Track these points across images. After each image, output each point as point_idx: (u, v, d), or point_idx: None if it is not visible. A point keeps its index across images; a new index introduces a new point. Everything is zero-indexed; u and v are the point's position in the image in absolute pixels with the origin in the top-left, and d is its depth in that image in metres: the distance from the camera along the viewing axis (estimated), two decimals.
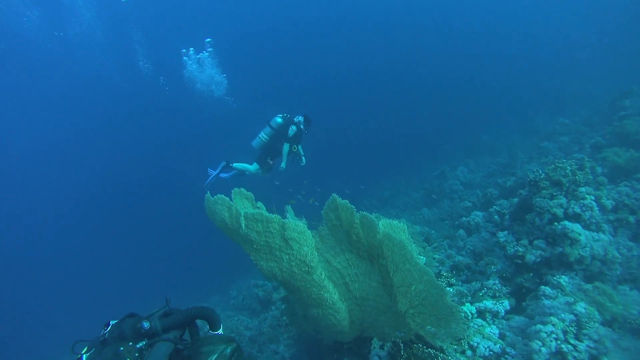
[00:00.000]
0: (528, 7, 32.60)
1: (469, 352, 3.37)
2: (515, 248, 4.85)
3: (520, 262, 4.69)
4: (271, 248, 3.16)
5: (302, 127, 6.64)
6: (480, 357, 3.29)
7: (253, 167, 6.80)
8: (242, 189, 3.76)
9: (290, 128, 6.51)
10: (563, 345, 3.06)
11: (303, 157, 6.99)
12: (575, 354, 2.98)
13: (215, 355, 1.37)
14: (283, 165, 6.73)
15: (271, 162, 6.88)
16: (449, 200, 10.44)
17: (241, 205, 3.69)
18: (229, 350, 1.40)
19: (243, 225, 3.11)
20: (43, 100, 25.52)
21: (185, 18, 27.55)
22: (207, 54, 13.66)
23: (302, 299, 3.46)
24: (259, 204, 3.87)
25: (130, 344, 1.36)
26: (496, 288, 4.51)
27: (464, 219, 7.12)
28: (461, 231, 6.82)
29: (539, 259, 4.55)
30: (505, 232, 5.39)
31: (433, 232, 7.46)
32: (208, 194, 3.28)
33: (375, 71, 30.40)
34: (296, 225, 3.18)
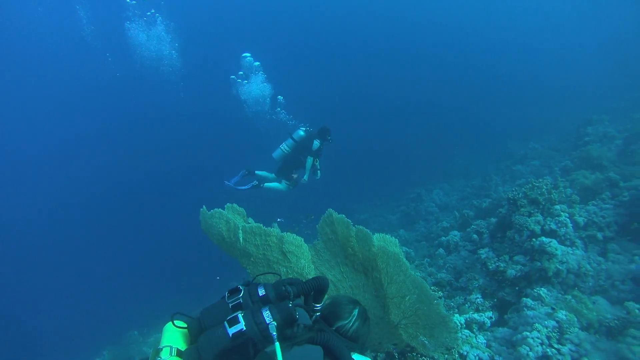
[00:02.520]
0: (496, 41, 36.34)
1: None
2: (497, 264, 5.39)
3: (501, 277, 5.20)
4: (269, 261, 3.41)
5: (329, 138, 7.11)
6: None
7: (283, 186, 7.27)
8: (235, 205, 3.98)
9: (314, 142, 6.95)
10: (548, 349, 3.50)
11: (319, 171, 7.43)
12: (560, 356, 3.42)
13: (357, 310, 1.64)
14: (306, 177, 7.22)
15: (295, 176, 7.31)
16: (425, 222, 11.11)
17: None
18: (357, 310, 1.66)
19: (241, 238, 3.35)
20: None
21: None
22: None
23: None
24: (250, 220, 4.09)
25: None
26: (479, 302, 4.96)
27: (443, 238, 7.67)
28: (441, 250, 7.33)
29: (519, 274, 5.08)
30: (486, 249, 5.96)
31: (412, 251, 7.92)
32: (204, 208, 3.49)
33: (348, 97, 31.86)
34: (294, 238, 3.48)
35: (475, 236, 7.08)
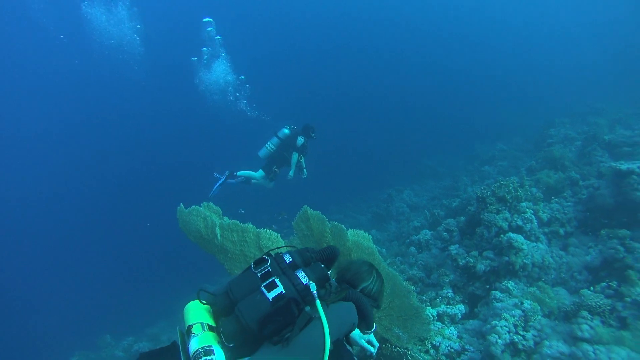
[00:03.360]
0: (465, 45, 38.01)
1: (432, 351, 3.90)
2: (467, 259, 5.69)
3: (471, 272, 5.50)
4: (246, 257, 3.51)
5: (313, 134, 7.45)
6: (442, 354, 3.84)
7: (258, 174, 7.58)
8: (211, 203, 4.02)
9: (298, 138, 7.29)
10: (514, 337, 3.77)
11: (305, 170, 7.73)
12: (524, 342, 3.70)
13: (375, 272, 1.82)
14: (291, 173, 7.55)
15: (277, 171, 7.61)
16: (396, 222, 11.46)
17: None
18: (375, 271, 1.84)
19: (218, 235, 3.47)
20: None
21: None
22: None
23: None
24: (225, 218, 4.14)
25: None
26: (450, 296, 5.23)
27: (414, 237, 7.97)
28: (412, 248, 7.61)
29: (488, 268, 5.41)
30: (456, 246, 6.27)
31: (384, 250, 8.17)
32: (181, 206, 3.59)
33: (319, 98, 32.16)
34: (271, 234, 3.62)
35: (445, 234, 7.41)
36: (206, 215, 3.51)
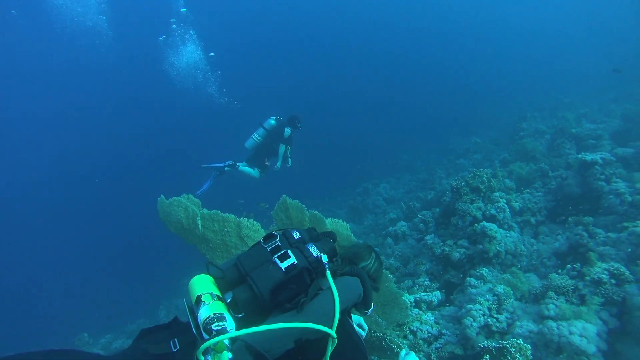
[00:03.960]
0: (441, 40, 38.88)
1: (410, 336, 4.08)
2: (442, 248, 5.94)
3: (447, 260, 5.75)
4: (227, 246, 3.61)
5: (299, 125, 7.61)
6: (420, 339, 4.03)
7: (255, 173, 7.81)
8: (190, 195, 4.06)
9: (285, 129, 7.45)
10: (489, 319, 4.00)
11: (290, 159, 7.92)
12: (498, 324, 3.95)
13: (374, 253, 1.92)
14: (279, 164, 7.79)
15: (268, 164, 7.83)
16: (373, 215, 11.71)
17: None
18: (374, 253, 1.94)
19: (200, 225, 3.55)
20: None
21: None
22: None
23: None
24: (204, 210, 4.19)
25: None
26: (426, 284, 5.47)
27: (390, 229, 8.20)
28: (389, 239, 7.84)
29: (463, 256, 5.67)
30: (432, 235, 6.53)
31: (361, 241, 8.36)
32: (162, 197, 3.67)
33: (295, 91, 32.11)
34: (251, 223, 3.72)
35: (421, 225, 7.67)
36: (187, 206, 3.59)
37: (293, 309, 1.48)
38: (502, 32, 38.86)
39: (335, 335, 1.45)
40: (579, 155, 6.43)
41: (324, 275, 1.56)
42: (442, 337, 4.11)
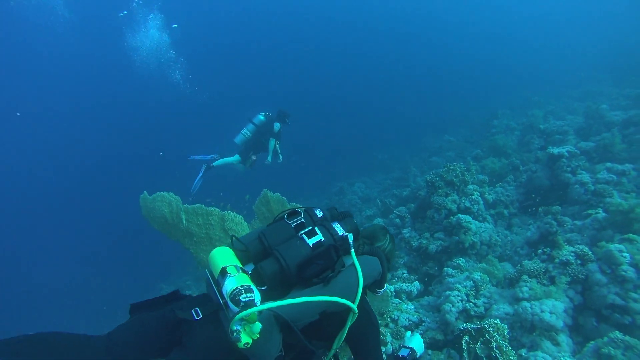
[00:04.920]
0: (413, 38, 40.07)
1: (391, 325, 4.32)
2: (419, 241, 6.25)
3: (424, 253, 6.06)
4: (211, 239, 3.76)
5: (287, 121, 7.96)
6: (402, 327, 4.27)
7: (234, 158, 8.05)
8: (171, 193, 4.14)
9: (275, 124, 7.79)
10: (467, 304, 4.30)
11: (280, 155, 8.26)
12: (476, 309, 4.25)
13: (389, 234, 2.05)
14: (269, 159, 8.10)
15: (254, 158, 8.09)
16: None
17: None
18: (389, 234, 2.07)
19: (184, 219, 3.70)
20: None
21: None
22: None
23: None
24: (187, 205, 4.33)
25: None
26: (405, 276, 5.74)
27: (366, 225, 8.48)
28: None
29: (440, 248, 6.00)
30: (409, 229, 6.84)
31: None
32: (145, 193, 3.80)
33: (271, 92, 32.20)
34: (235, 216, 3.89)
35: (397, 220, 7.98)
36: (171, 201, 3.73)
37: (320, 283, 1.60)
38: (474, 32, 40.44)
39: (356, 310, 1.57)
40: (548, 149, 6.93)
41: (349, 253, 1.68)
42: (423, 324, 4.38)
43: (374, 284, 1.88)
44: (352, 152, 21.10)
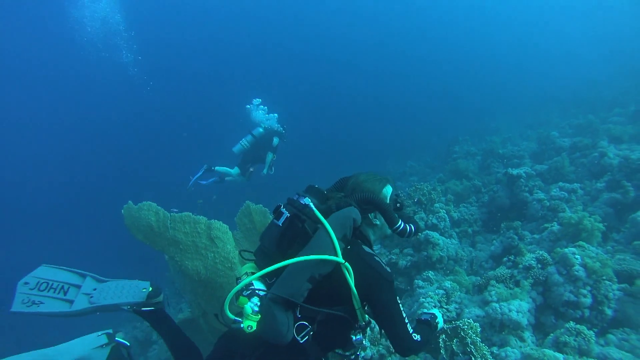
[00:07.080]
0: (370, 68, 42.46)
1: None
2: (389, 257, 6.76)
3: (394, 268, 6.56)
4: (197, 247, 4.02)
5: (284, 140, 8.73)
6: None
7: (234, 171, 8.82)
8: (153, 203, 4.38)
9: (274, 139, 8.49)
10: (440, 310, 4.80)
11: (273, 168, 8.95)
12: (448, 313, 4.76)
13: (391, 185, 2.09)
14: (265, 171, 8.88)
15: (252, 170, 8.69)
16: None
17: None
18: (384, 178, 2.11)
19: (170, 227, 3.95)
20: None
21: None
22: None
23: (223, 297, 4.25)
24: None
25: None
26: None
27: None
28: None
29: (409, 263, 6.53)
30: (379, 246, 7.35)
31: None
32: (130, 203, 4.02)
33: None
34: (221, 225, 4.17)
35: None
36: (158, 209, 3.96)
37: (299, 250, 1.74)
38: (436, 59, 43.46)
39: (342, 260, 1.61)
40: (507, 170, 7.83)
41: (314, 214, 1.76)
42: None
43: (379, 229, 2.03)
44: (316, 178, 21.77)
